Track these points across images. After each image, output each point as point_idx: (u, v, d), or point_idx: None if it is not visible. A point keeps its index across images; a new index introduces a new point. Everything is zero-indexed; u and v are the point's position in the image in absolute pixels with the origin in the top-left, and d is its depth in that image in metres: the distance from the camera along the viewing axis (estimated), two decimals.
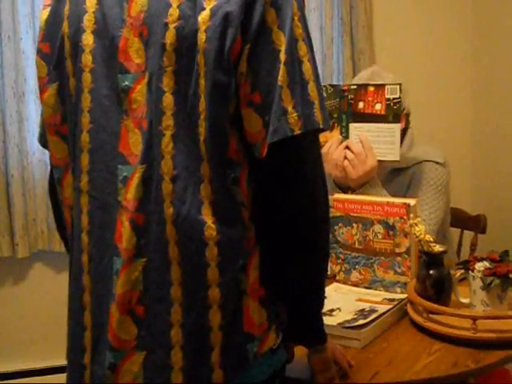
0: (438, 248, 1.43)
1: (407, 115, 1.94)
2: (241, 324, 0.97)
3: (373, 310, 1.42)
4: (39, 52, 1.08)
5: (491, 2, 2.49)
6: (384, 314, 1.41)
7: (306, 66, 0.95)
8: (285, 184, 0.96)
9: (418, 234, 1.44)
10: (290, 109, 0.92)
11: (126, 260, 0.96)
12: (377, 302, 1.48)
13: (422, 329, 1.37)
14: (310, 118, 0.94)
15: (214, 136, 0.93)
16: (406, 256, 1.53)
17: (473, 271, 1.39)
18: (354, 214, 1.61)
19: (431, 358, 1.26)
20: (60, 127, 1.08)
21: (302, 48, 0.95)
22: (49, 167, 2.51)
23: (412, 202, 1.54)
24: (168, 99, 0.94)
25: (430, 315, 1.37)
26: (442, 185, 1.87)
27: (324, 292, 1.07)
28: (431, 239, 1.44)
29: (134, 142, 0.98)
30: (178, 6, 0.93)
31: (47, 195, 2.52)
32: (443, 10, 2.69)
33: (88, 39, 1.01)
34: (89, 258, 1.02)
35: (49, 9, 1.07)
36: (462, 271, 1.44)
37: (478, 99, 2.62)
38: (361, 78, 1.97)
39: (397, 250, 1.55)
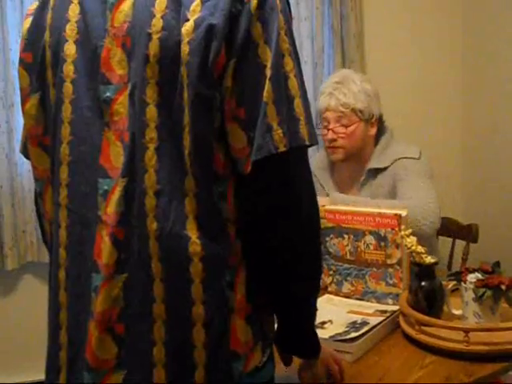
0: (429, 259, 1.43)
1: (379, 119, 1.98)
2: (227, 342, 0.95)
3: (365, 323, 1.41)
4: (21, 62, 1.06)
5: (481, 10, 2.49)
6: (376, 326, 1.39)
7: (292, 82, 0.93)
8: (270, 202, 0.93)
9: (409, 246, 1.44)
10: (275, 125, 0.90)
11: (106, 276, 0.93)
12: (369, 314, 1.47)
13: (414, 341, 1.36)
14: (296, 134, 0.92)
15: (199, 149, 0.91)
16: (398, 267, 1.53)
17: (465, 283, 1.38)
18: (346, 225, 1.60)
19: (424, 371, 1.25)
20: (42, 138, 1.05)
21: (289, 63, 0.92)
22: None
23: (403, 212, 1.53)
24: (151, 111, 0.92)
25: (422, 327, 1.36)
26: (427, 173, 1.89)
27: (315, 306, 1.05)
28: (423, 250, 1.43)
29: (115, 155, 0.95)
30: (162, 17, 0.92)
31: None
32: (434, 18, 2.70)
33: (70, 49, 0.99)
34: (66, 274, 0.99)
35: (31, 18, 1.06)
36: (454, 282, 1.43)
37: (467, 108, 2.63)
38: (323, 90, 1.97)
39: (388, 261, 1.54)
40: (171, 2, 0.92)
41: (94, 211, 0.97)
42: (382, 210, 1.56)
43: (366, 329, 1.37)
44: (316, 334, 1.06)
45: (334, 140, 1.94)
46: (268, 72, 0.90)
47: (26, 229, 2.43)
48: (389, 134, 2.02)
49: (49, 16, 1.02)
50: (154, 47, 0.91)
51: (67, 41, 0.99)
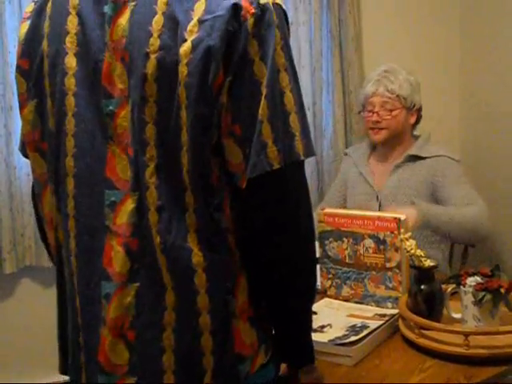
0: (428, 263, 1.43)
1: (418, 110, 2.15)
2: (232, 346, 0.96)
3: (364, 326, 1.41)
4: (18, 68, 1.07)
5: (479, 13, 2.50)
6: (375, 330, 1.39)
7: (288, 98, 0.93)
8: (266, 217, 0.95)
9: (408, 249, 1.44)
10: (269, 143, 0.91)
11: (119, 284, 0.96)
12: (368, 318, 1.47)
13: (413, 344, 1.36)
14: (291, 150, 0.93)
15: (197, 167, 0.93)
16: (397, 271, 1.53)
17: (464, 286, 1.38)
18: (345, 229, 1.60)
19: (423, 374, 1.25)
20: (40, 144, 1.06)
21: (284, 79, 0.93)
22: None
23: (402, 216, 1.53)
24: (151, 130, 0.94)
25: (422, 331, 1.36)
26: (466, 178, 2.04)
27: (311, 315, 1.05)
28: (422, 254, 1.43)
29: (121, 168, 0.97)
30: (159, 36, 0.92)
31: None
32: (432, 22, 2.70)
33: (71, 62, 0.99)
34: (77, 281, 1.02)
35: (28, 22, 1.05)
36: (454, 286, 1.43)
37: (464, 112, 2.63)
38: (372, 77, 2.14)
39: (388, 265, 1.54)
40: (168, 21, 0.92)
41: (100, 221, 0.98)
42: (382, 214, 1.56)
43: (365, 332, 1.37)
44: (312, 341, 1.06)
45: (379, 122, 2.09)
46: (264, 89, 0.91)
47: (24, 232, 2.42)
48: (427, 133, 2.17)
49: (46, 24, 1.02)
50: (151, 66, 0.92)
51: (67, 53, 0.99)
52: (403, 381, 1.23)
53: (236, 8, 0.90)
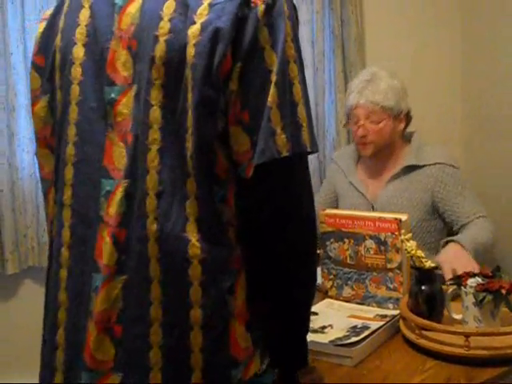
0: (429, 264, 1.43)
1: (407, 114, 2.06)
2: (227, 347, 0.94)
3: (365, 327, 1.41)
4: (33, 64, 1.09)
5: (480, 14, 2.50)
6: (376, 330, 1.39)
7: (297, 88, 0.93)
8: (269, 207, 0.94)
9: (409, 250, 1.44)
10: (278, 130, 0.90)
11: (107, 277, 0.94)
12: (369, 319, 1.47)
13: (414, 345, 1.36)
14: (299, 140, 0.92)
15: (201, 152, 0.92)
16: (398, 271, 1.53)
17: (465, 287, 1.38)
18: (346, 230, 1.60)
19: (424, 375, 1.25)
20: (50, 140, 1.07)
21: (293, 69, 0.93)
22: (39, 182, 2.48)
23: (403, 217, 1.53)
24: (155, 113, 0.93)
25: (423, 331, 1.36)
26: (467, 185, 1.99)
27: (309, 320, 1.05)
28: (422, 255, 1.43)
29: (117, 156, 0.97)
30: (170, 20, 0.93)
31: (37, 211, 2.50)
32: (434, 23, 2.70)
33: (78, 52, 1.00)
34: (67, 274, 1.00)
35: (45, 22, 1.08)
36: (455, 287, 1.43)
37: (467, 113, 2.62)
38: (353, 88, 2.05)
39: (389, 266, 1.54)
40: (179, 6, 0.93)
41: (96, 211, 0.97)
42: (383, 215, 1.56)
43: (366, 333, 1.37)
44: (307, 349, 1.05)
45: (365, 136, 2.00)
46: (273, 77, 0.91)
47: (26, 233, 2.42)
48: (418, 136, 2.10)
49: (62, 21, 1.04)
50: (160, 49, 0.92)
51: (76, 44, 1.01)
52: (404, 381, 1.23)
53: None
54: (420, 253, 1.42)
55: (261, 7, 0.91)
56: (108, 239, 0.95)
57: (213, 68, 0.90)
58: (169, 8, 0.93)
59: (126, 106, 0.96)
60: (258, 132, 0.91)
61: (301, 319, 1.03)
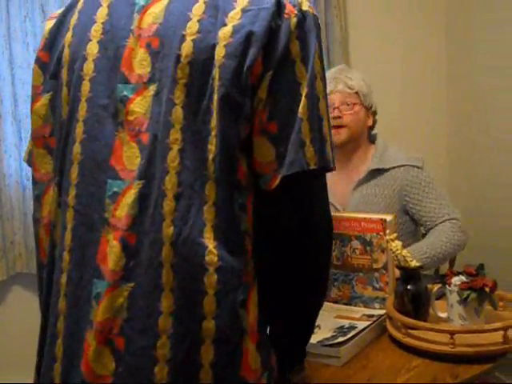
0: (414, 263, 1.44)
1: (374, 114, 2.09)
2: (238, 367, 0.89)
3: (352, 327, 1.42)
4: (37, 60, 1.06)
5: (463, 14, 2.53)
6: (363, 330, 1.41)
7: (322, 104, 0.94)
8: (291, 218, 0.93)
9: (394, 250, 1.45)
10: (307, 142, 0.90)
11: (111, 283, 0.89)
12: (356, 319, 1.48)
13: (401, 344, 1.37)
14: (324, 154, 0.92)
15: (224, 155, 0.89)
16: (384, 271, 1.54)
17: (450, 285, 1.39)
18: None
19: (410, 373, 1.26)
20: (48, 140, 1.04)
21: (320, 85, 0.94)
22: (28, 190, 2.46)
23: (388, 217, 1.54)
24: (178, 112, 0.90)
25: (409, 330, 1.37)
26: (434, 183, 1.99)
27: (314, 326, 1.06)
28: (408, 254, 1.45)
29: (129, 156, 0.93)
30: (199, 21, 0.92)
31: (25, 217, 2.50)
32: (419, 26, 2.73)
33: (92, 48, 0.98)
34: (67, 279, 0.95)
35: (55, 20, 1.06)
36: (440, 286, 1.44)
37: (452, 116, 2.65)
38: (328, 76, 2.04)
39: (374, 266, 1.55)
40: (209, 8, 0.93)
41: (99, 213, 0.93)
42: (368, 215, 1.58)
43: (353, 333, 1.38)
44: (305, 352, 1.08)
45: (340, 117, 2.00)
46: (304, 90, 0.91)
47: (14, 239, 2.42)
48: (381, 138, 2.10)
49: (74, 18, 1.02)
50: (186, 48, 0.91)
51: (91, 40, 0.99)
52: (390, 380, 1.25)
53: (280, 4, 0.92)
54: (405, 252, 1.44)
55: (293, 20, 0.92)
56: (115, 243, 0.90)
57: (243, 70, 0.89)
58: (198, 10, 0.93)
59: (139, 104, 0.93)
60: (285, 143, 0.90)
61: (310, 323, 1.04)
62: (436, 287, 1.45)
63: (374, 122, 2.10)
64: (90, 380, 0.89)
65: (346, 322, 1.46)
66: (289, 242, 0.94)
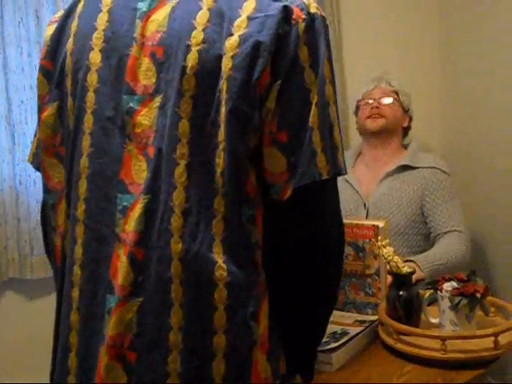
0: (406, 269, 1.45)
1: (410, 118, 2.20)
2: (248, 378, 0.89)
3: (344, 333, 1.42)
4: (41, 69, 1.03)
5: (457, 15, 2.54)
6: (355, 336, 1.41)
7: (332, 109, 0.91)
8: (312, 229, 0.92)
9: (386, 256, 1.46)
10: (319, 152, 0.88)
11: (121, 298, 0.88)
12: (348, 325, 1.49)
13: (393, 350, 1.38)
14: (336, 162, 0.90)
15: (233, 168, 0.87)
16: (376, 277, 1.55)
17: (441, 291, 1.40)
18: None
19: (402, 379, 1.27)
20: (59, 148, 1.01)
21: (329, 89, 0.91)
22: (21, 195, 2.44)
23: (380, 224, 1.55)
24: (184, 126, 0.88)
25: (401, 336, 1.38)
26: (455, 193, 2.05)
27: (324, 334, 1.05)
28: (399, 260, 1.45)
29: (137, 170, 0.91)
30: (204, 30, 0.89)
31: (18, 222, 2.49)
32: (413, 29, 2.73)
33: (95, 58, 0.95)
34: (80, 294, 0.94)
35: (55, 25, 1.03)
36: (431, 291, 1.45)
37: (446, 117, 2.66)
38: (371, 77, 2.20)
39: (367, 272, 1.55)
40: (214, 16, 0.90)
41: (111, 228, 0.92)
42: (360, 221, 1.58)
43: (345, 339, 1.39)
44: (314, 365, 1.07)
45: (378, 108, 2.10)
46: (314, 97, 0.89)
47: (7, 245, 2.41)
48: (415, 143, 2.19)
49: (74, 24, 0.99)
50: (192, 59, 0.88)
51: (93, 49, 0.96)
52: None
53: (287, 10, 0.89)
54: (397, 259, 1.45)
55: (301, 25, 0.89)
56: (124, 258, 0.89)
57: (251, 82, 0.86)
58: (202, 18, 0.90)
59: (146, 116, 0.91)
60: (297, 153, 0.88)
61: (319, 333, 1.03)
62: (428, 293, 1.46)
63: (409, 126, 2.20)
64: None
65: (338, 328, 1.46)
66: (300, 251, 0.93)
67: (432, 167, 2.04)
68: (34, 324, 2.36)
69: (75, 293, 0.95)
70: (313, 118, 0.88)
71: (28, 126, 2.36)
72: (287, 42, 0.88)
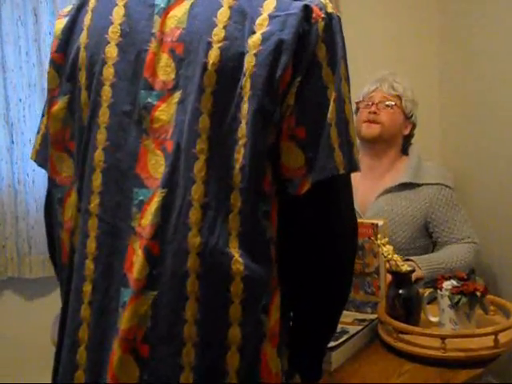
0: (406, 267, 1.45)
1: (413, 125, 2.05)
2: (258, 371, 0.90)
3: (344, 332, 1.42)
4: (52, 63, 1.02)
5: (457, 15, 2.54)
6: (355, 335, 1.41)
7: (347, 107, 0.93)
8: (320, 222, 0.93)
9: (386, 254, 1.45)
10: (336, 147, 0.90)
11: (135, 291, 0.89)
12: (348, 323, 1.48)
13: (392, 349, 1.37)
14: (352, 158, 0.92)
15: (253, 164, 0.89)
16: (376, 276, 1.54)
17: (441, 290, 1.40)
18: None
19: (401, 378, 1.27)
20: (69, 143, 1.01)
21: (345, 87, 0.93)
22: (20, 194, 2.44)
23: (380, 222, 1.55)
24: (205, 121, 0.89)
25: (400, 335, 1.37)
26: (460, 206, 1.96)
27: (333, 333, 1.06)
28: (399, 259, 1.45)
29: (154, 164, 0.92)
30: (225, 27, 0.90)
31: (16, 221, 2.49)
32: (412, 29, 2.72)
33: (111, 52, 0.95)
34: (93, 288, 0.94)
35: (65, 19, 1.02)
36: (431, 290, 1.45)
37: (445, 116, 2.66)
38: (375, 77, 2.07)
39: (366, 270, 1.55)
40: (235, 14, 0.91)
41: (127, 222, 0.93)
42: (360, 220, 1.58)
43: (344, 338, 1.38)
44: (322, 361, 1.07)
45: (376, 113, 1.97)
46: (332, 94, 0.91)
47: (6, 244, 2.40)
48: (417, 149, 2.06)
49: (88, 17, 0.99)
50: (214, 56, 0.89)
51: (109, 43, 0.96)
52: None
53: (307, 9, 0.90)
54: (396, 257, 1.44)
55: (321, 24, 0.91)
56: (140, 252, 0.90)
57: (274, 79, 0.88)
58: (223, 15, 0.91)
59: (165, 112, 0.92)
60: (315, 148, 0.90)
61: (329, 331, 1.05)
62: (427, 291, 1.46)
63: (412, 133, 2.06)
64: None
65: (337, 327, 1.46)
66: (314, 247, 0.94)
67: (437, 184, 1.95)
68: (33, 323, 2.36)
69: (87, 287, 0.95)
70: (331, 114, 0.90)
71: (26, 124, 2.36)
72: (308, 40, 0.90)
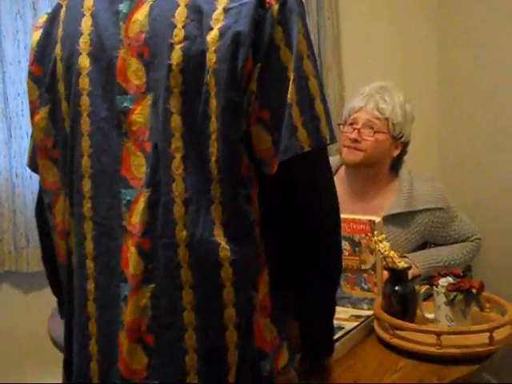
0: (402, 264, 1.45)
1: (405, 144, 1.88)
2: (252, 340, 0.96)
3: (340, 328, 1.42)
4: (30, 75, 1.07)
5: (457, 15, 2.54)
6: (351, 331, 1.41)
7: (312, 83, 0.95)
8: (299, 201, 0.96)
9: (382, 251, 1.46)
10: (299, 126, 0.92)
11: (134, 286, 0.95)
12: (344, 319, 1.48)
13: (388, 345, 1.38)
14: (318, 134, 0.94)
15: (227, 156, 0.92)
16: (372, 272, 1.55)
17: (437, 287, 1.40)
18: None
19: (397, 375, 1.27)
20: (52, 151, 1.06)
21: (308, 65, 0.94)
22: (18, 188, 2.45)
23: (377, 219, 1.55)
24: (176, 121, 0.93)
25: (396, 331, 1.38)
26: (455, 212, 1.89)
27: (335, 303, 1.09)
28: (396, 255, 1.45)
29: (136, 165, 0.96)
30: (184, 27, 0.92)
31: (14, 215, 2.49)
32: (411, 27, 2.73)
33: (84, 62, 0.99)
34: (95, 285, 1.00)
35: (40, 30, 1.06)
36: (427, 287, 1.45)
37: (444, 117, 2.67)
38: (364, 91, 1.87)
39: (363, 267, 1.55)
40: (192, 12, 0.93)
41: (118, 222, 0.98)
42: (356, 216, 1.58)
43: (340, 334, 1.38)
44: (333, 335, 1.11)
45: (357, 141, 1.79)
46: (290, 74, 0.92)
47: (3, 237, 2.41)
48: (406, 169, 1.90)
49: (60, 29, 1.03)
50: (176, 57, 0.92)
51: (81, 54, 1.00)
52: (377, 381, 1.25)
53: None
54: (393, 254, 1.45)
55: (274, 7, 0.92)
56: (133, 249, 0.95)
57: (237, 72, 0.90)
58: (181, 15, 0.93)
59: (141, 114, 0.96)
60: (279, 129, 0.92)
61: (328, 309, 1.07)
62: (423, 288, 1.46)
63: (403, 152, 1.88)
64: (128, 376, 0.95)
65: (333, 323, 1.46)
66: (295, 225, 0.97)
67: (429, 209, 1.83)
68: (30, 317, 2.36)
69: (90, 285, 1.01)
70: (290, 94, 0.92)
71: (24, 118, 2.36)
72: (264, 26, 0.92)
